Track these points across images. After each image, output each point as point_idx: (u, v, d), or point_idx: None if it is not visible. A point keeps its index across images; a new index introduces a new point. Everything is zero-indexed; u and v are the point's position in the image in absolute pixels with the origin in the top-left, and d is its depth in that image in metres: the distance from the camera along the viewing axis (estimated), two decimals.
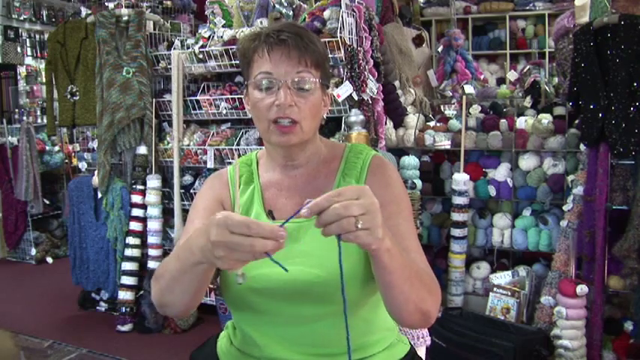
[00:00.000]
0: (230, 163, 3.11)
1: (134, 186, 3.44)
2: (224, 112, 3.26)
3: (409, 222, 1.08)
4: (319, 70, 1.09)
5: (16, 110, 5.39)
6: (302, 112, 1.06)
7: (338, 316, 1.06)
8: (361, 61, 2.88)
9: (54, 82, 3.75)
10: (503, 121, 3.24)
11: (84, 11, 3.86)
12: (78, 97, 3.62)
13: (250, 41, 1.10)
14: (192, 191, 3.38)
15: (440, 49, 4.55)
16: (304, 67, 1.06)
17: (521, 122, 3.17)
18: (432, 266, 1.07)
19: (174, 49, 3.37)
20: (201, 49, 3.24)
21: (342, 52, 2.81)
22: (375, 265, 0.91)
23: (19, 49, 5.52)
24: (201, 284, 0.97)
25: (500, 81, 5.75)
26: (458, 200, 3.20)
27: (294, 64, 1.06)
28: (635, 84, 2.44)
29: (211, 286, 3.35)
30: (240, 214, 0.87)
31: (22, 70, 5.73)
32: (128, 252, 3.39)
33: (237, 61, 3.09)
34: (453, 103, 3.87)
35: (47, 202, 5.00)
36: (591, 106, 2.60)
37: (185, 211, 3.33)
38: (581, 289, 2.56)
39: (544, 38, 6.04)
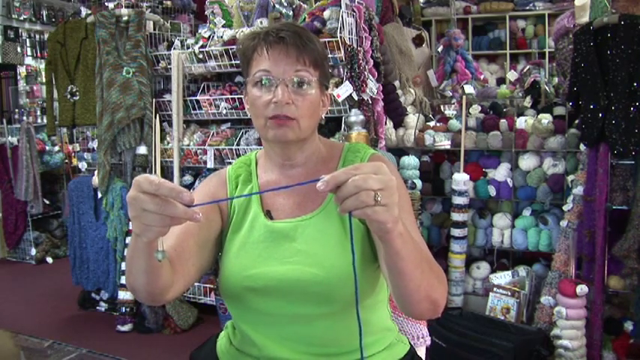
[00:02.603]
0: (230, 163, 3.11)
1: None
2: (224, 112, 3.27)
3: (410, 215, 1.08)
4: (318, 69, 1.09)
5: (16, 110, 5.39)
6: (299, 110, 1.06)
7: (336, 315, 1.07)
8: (361, 61, 2.88)
9: (54, 82, 3.75)
10: (503, 121, 3.24)
11: (84, 11, 3.86)
12: (78, 97, 3.62)
13: (250, 40, 1.11)
14: (191, 191, 3.37)
15: (440, 49, 4.55)
16: (302, 66, 1.06)
17: (521, 122, 3.17)
18: None
19: (174, 49, 3.36)
20: (201, 49, 3.24)
21: (342, 52, 2.81)
22: (386, 251, 0.89)
23: (19, 49, 5.52)
24: (148, 264, 0.91)
25: (500, 81, 5.74)
26: (458, 200, 3.20)
27: (293, 62, 1.06)
28: (635, 84, 2.44)
29: (211, 286, 3.35)
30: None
31: (22, 70, 5.73)
32: None
33: (237, 61, 3.09)
34: (453, 103, 3.87)
35: (47, 202, 5.00)
36: (591, 106, 2.60)
37: None
38: (581, 289, 2.56)
39: (544, 38, 6.04)
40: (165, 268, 0.96)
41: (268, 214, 1.12)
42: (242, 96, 3.14)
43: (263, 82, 1.07)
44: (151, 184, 0.79)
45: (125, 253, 3.39)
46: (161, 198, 0.79)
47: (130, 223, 3.37)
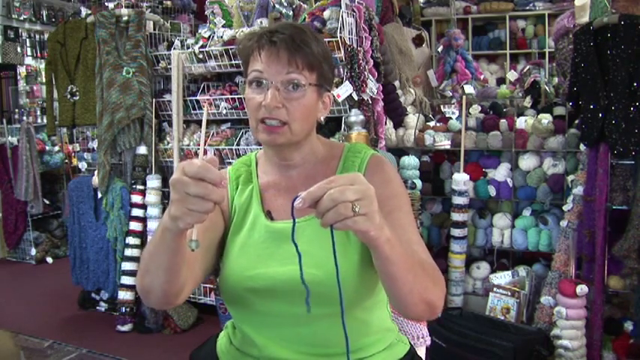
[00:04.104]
0: (230, 163, 3.11)
1: (134, 186, 3.44)
2: (224, 112, 3.27)
3: (409, 215, 1.09)
4: (314, 72, 1.08)
5: (16, 110, 5.39)
6: (290, 113, 1.06)
7: (336, 316, 1.06)
8: (361, 61, 2.88)
9: (54, 82, 3.75)
10: (503, 121, 3.24)
11: (84, 11, 3.86)
12: (78, 97, 3.62)
13: (247, 40, 1.11)
14: None
15: (440, 49, 4.55)
16: (294, 69, 1.05)
17: (521, 122, 3.17)
18: None
19: (174, 49, 3.36)
20: (201, 49, 3.24)
21: (342, 52, 2.81)
22: (376, 257, 0.90)
23: (19, 49, 5.52)
24: (172, 260, 0.92)
25: (500, 81, 5.74)
26: (458, 200, 3.20)
27: (284, 65, 1.05)
28: (635, 84, 2.44)
29: (211, 286, 3.35)
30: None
31: (22, 70, 5.72)
32: (128, 252, 3.38)
33: (238, 61, 3.09)
34: (453, 103, 3.87)
35: (47, 202, 5.00)
36: (591, 106, 2.60)
37: None
38: (581, 289, 2.56)
39: (544, 38, 6.04)
40: (185, 266, 0.96)
41: (269, 215, 1.12)
42: (242, 96, 3.14)
43: (255, 83, 1.07)
44: (197, 168, 0.80)
45: (126, 253, 3.39)
46: (206, 182, 0.80)
47: (131, 223, 3.38)
